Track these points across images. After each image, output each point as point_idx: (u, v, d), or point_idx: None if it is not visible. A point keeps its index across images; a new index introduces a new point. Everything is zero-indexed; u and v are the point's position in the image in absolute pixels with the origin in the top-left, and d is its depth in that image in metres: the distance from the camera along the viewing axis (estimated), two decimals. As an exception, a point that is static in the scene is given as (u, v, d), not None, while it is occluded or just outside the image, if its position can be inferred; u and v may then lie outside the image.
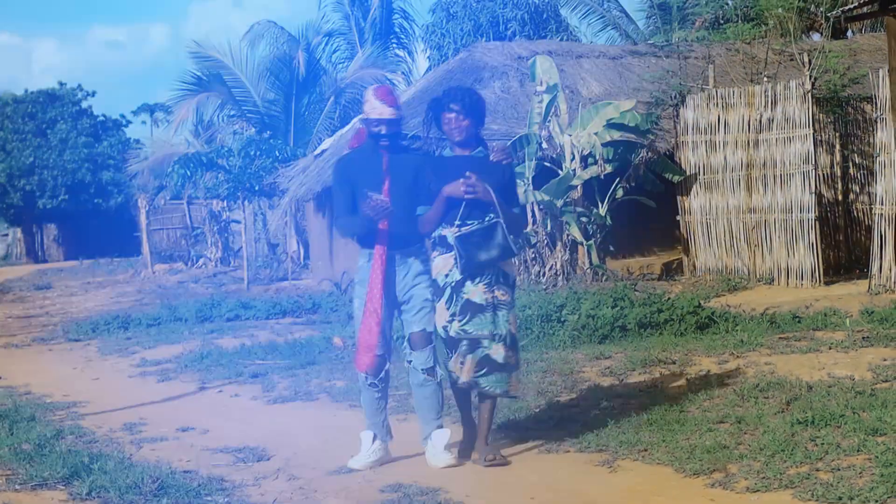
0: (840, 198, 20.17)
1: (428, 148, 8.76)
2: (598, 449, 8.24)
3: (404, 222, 8.21)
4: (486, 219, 8.08)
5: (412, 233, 8.31)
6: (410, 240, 8.31)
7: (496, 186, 8.10)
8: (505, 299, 8.21)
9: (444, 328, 8.18)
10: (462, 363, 8.11)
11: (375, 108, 8.27)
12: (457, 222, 8.09)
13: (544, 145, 20.26)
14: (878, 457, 7.14)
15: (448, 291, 8.16)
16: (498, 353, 8.14)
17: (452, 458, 8.24)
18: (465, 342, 8.09)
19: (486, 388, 8.17)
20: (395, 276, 8.27)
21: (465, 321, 8.10)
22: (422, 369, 8.23)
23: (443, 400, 8.40)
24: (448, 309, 8.16)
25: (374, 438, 8.36)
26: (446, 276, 8.18)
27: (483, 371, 8.12)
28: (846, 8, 17.62)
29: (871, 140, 18.41)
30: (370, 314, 8.20)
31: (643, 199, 20.50)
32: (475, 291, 8.12)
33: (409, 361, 8.32)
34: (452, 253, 8.12)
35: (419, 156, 8.65)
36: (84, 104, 60.78)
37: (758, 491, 7.00)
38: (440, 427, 8.32)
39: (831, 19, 29.26)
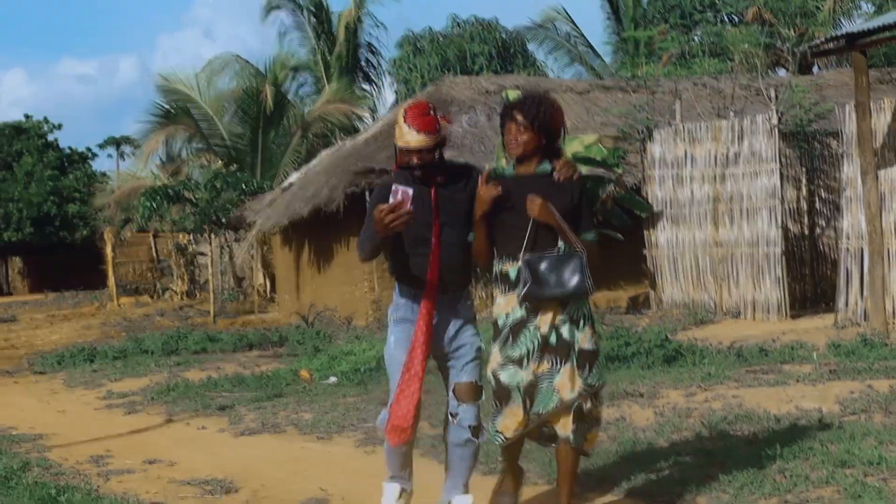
0: (806, 232, 20.24)
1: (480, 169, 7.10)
2: (567, 481, 8.20)
3: (458, 263, 6.94)
4: (557, 249, 6.68)
5: (465, 275, 7.06)
6: (461, 282, 7.04)
7: (564, 210, 6.71)
8: (595, 344, 6.89)
9: (494, 374, 6.78)
10: (537, 414, 6.71)
11: (403, 134, 6.75)
12: (522, 254, 6.67)
13: (512, 179, 20.25)
14: (846, 489, 7.14)
15: (506, 332, 6.77)
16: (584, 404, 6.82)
17: None
18: (557, 396, 6.67)
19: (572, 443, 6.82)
20: (441, 325, 6.96)
21: (544, 365, 6.74)
22: (469, 426, 6.91)
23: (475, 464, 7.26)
24: (501, 353, 6.77)
25: (402, 492, 7.24)
26: (507, 315, 6.78)
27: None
28: (813, 43, 17.75)
29: (838, 175, 18.50)
30: (413, 378, 6.85)
31: (610, 233, 20.48)
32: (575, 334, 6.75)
33: (455, 415, 6.95)
34: (516, 291, 6.74)
35: (470, 180, 6.96)
36: (50, 137, 60.71)
37: (727, 523, 7.01)
38: (463, 493, 7.15)
39: (798, 55, 29.57)
